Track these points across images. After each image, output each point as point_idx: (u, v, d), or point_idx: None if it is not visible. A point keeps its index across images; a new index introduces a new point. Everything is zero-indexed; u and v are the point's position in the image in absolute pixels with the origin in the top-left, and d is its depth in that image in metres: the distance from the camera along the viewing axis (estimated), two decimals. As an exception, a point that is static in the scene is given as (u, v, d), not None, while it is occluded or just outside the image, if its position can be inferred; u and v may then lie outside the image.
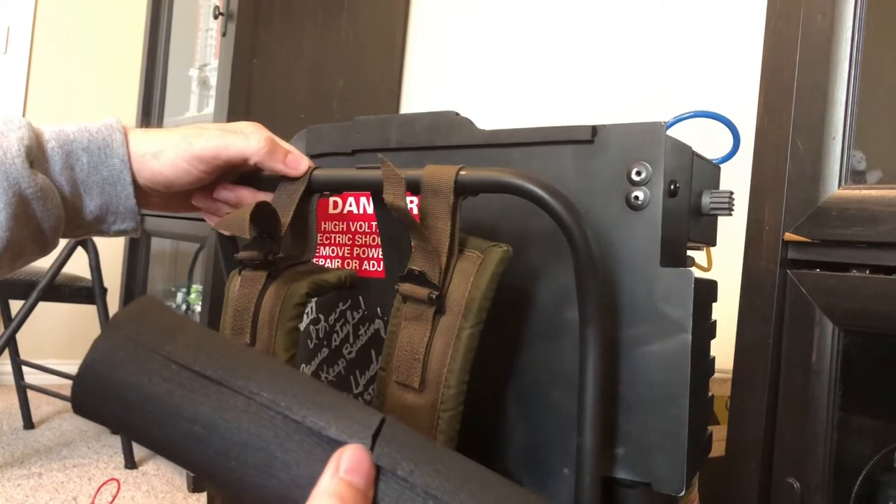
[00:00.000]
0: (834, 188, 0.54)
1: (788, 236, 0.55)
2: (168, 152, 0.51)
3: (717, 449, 0.63)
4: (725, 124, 0.64)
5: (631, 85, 1.46)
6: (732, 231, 0.68)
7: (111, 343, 0.32)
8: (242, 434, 0.30)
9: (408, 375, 0.49)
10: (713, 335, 0.60)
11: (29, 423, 1.90)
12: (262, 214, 0.51)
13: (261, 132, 0.54)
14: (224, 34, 1.59)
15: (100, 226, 0.52)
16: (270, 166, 0.54)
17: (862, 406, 0.57)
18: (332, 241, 0.67)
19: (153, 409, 0.31)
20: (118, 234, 0.54)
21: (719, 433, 0.65)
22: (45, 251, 0.50)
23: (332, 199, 0.66)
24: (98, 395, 0.32)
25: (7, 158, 0.45)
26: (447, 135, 0.60)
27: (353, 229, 0.65)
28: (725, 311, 0.62)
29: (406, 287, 0.50)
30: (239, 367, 0.32)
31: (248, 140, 0.52)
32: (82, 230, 0.52)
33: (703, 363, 0.56)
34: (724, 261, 0.71)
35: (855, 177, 0.54)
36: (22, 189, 0.45)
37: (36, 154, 0.47)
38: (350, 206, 0.65)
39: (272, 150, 0.53)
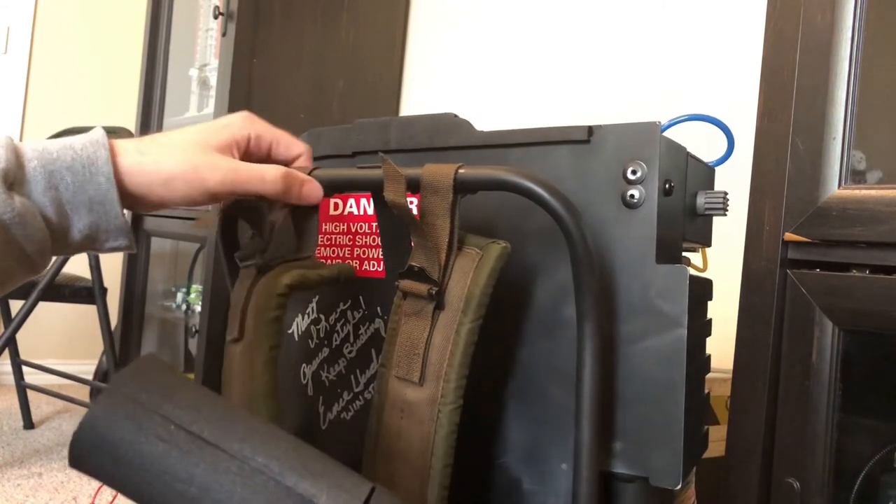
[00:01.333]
0: (834, 188, 0.54)
1: (788, 236, 0.55)
2: (178, 182, 0.49)
3: (718, 449, 0.63)
4: (720, 127, 0.64)
5: (630, 85, 1.46)
6: (731, 231, 0.68)
7: (112, 402, 0.33)
8: (235, 498, 0.31)
9: (408, 370, 0.49)
10: (708, 333, 0.60)
11: (29, 423, 1.90)
12: (244, 210, 0.52)
13: (264, 129, 0.55)
14: (224, 34, 1.59)
15: (92, 244, 0.50)
16: (285, 201, 0.54)
17: (862, 406, 0.57)
18: (333, 242, 0.67)
19: (149, 468, 0.32)
20: (112, 251, 0.52)
21: (719, 433, 0.65)
22: (34, 272, 0.48)
23: (332, 200, 0.67)
24: (96, 452, 0.32)
25: None
26: (446, 136, 0.60)
27: (353, 230, 0.65)
28: (725, 312, 0.62)
29: (406, 283, 0.51)
30: (235, 430, 0.33)
31: (265, 181, 0.52)
32: (72, 249, 0.50)
33: (698, 359, 0.56)
34: (723, 261, 0.71)
35: (855, 177, 0.54)
36: None
37: (15, 175, 0.44)
38: (350, 207, 0.65)
39: (288, 188, 0.53)
